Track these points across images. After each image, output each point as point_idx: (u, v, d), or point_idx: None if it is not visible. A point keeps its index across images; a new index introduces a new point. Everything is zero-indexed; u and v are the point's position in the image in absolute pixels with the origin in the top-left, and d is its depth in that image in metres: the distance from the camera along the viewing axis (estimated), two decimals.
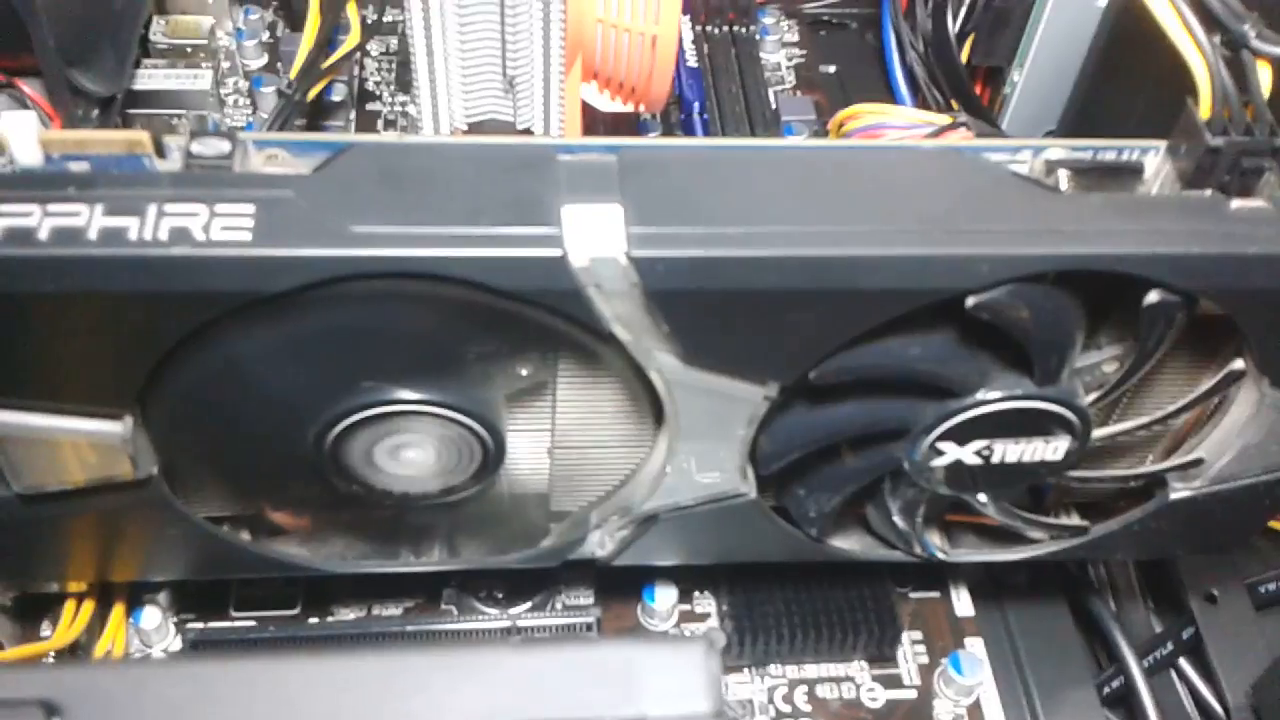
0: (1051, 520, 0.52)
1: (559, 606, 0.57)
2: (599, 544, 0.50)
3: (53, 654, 0.52)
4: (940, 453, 0.45)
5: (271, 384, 0.41)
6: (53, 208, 0.35)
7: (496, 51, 0.55)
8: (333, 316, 0.38)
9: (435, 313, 0.39)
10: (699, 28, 0.78)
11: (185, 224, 0.35)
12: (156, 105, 0.65)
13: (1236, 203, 0.41)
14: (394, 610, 0.57)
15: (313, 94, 0.63)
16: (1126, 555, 0.63)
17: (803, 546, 0.51)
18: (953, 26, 0.72)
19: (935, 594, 0.59)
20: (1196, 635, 0.61)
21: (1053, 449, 0.46)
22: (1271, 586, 0.63)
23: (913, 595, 0.59)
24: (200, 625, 0.55)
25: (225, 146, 0.38)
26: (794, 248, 0.38)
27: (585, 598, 0.58)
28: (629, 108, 0.59)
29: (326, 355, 0.40)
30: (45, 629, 0.54)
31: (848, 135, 0.65)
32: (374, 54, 0.79)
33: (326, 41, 0.64)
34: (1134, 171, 0.43)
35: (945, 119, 0.61)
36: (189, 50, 0.70)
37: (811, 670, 0.56)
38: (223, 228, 0.35)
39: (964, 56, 0.73)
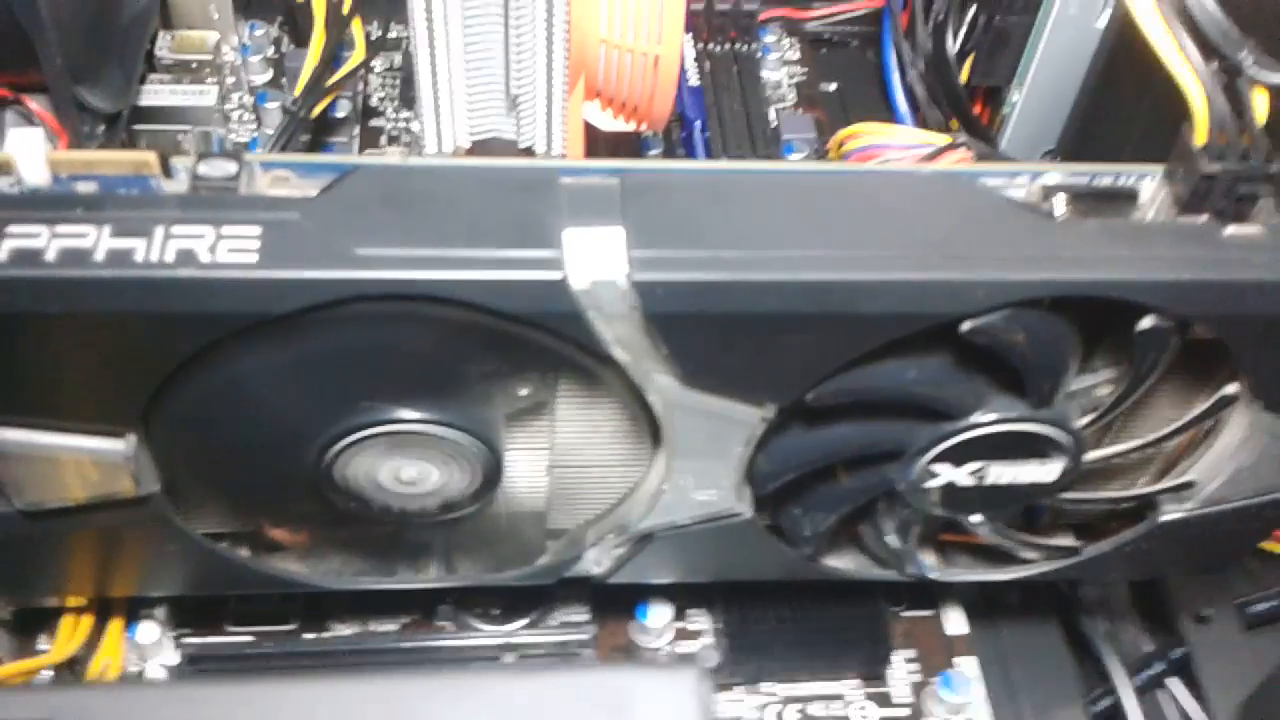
0: (1044, 541, 0.52)
1: (554, 623, 0.57)
2: (595, 562, 0.50)
3: (51, 668, 0.52)
4: (935, 474, 0.46)
5: (274, 404, 0.41)
6: (60, 229, 0.36)
7: (500, 70, 0.55)
8: (336, 338, 0.38)
9: (437, 334, 0.39)
10: (701, 45, 0.78)
11: (191, 246, 0.36)
12: (162, 120, 0.66)
13: (1231, 229, 0.41)
14: (390, 626, 0.57)
15: (317, 111, 0.64)
16: (1118, 576, 0.64)
17: (797, 565, 0.51)
18: (953, 46, 0.72)
19: (928, 613, 0.60)
20: (1187, 655, 0.61)
21: (1046, 471, 0.46)
22: (1262, 607, 0.64)
23: (905, 614, 0.59)
24: (197, 640, 0.55)
25: (232, 168, 0.39)
26: (793, 272, 0.38)
27: (580, 615, 0.58)
28: (631, 126, 0.60)
29: (329, 375, 0.40)
30: (43, 643, 0.54)
31: (847, 154, 0.65)
32: (378, 70, 0.79)
33: (331, 58, 0.64)
34: (1130, 197, 0.44)
35: (944, 139, 0.61)
36: (194, 65, 0.70)
37: (804, 688, 0.57)
38: (229, 250, 0.36)
39: (964, 76, 0.73)
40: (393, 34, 0.80)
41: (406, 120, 0.76)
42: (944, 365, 0.43)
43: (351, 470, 0.44)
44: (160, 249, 0.35)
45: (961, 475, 0.46)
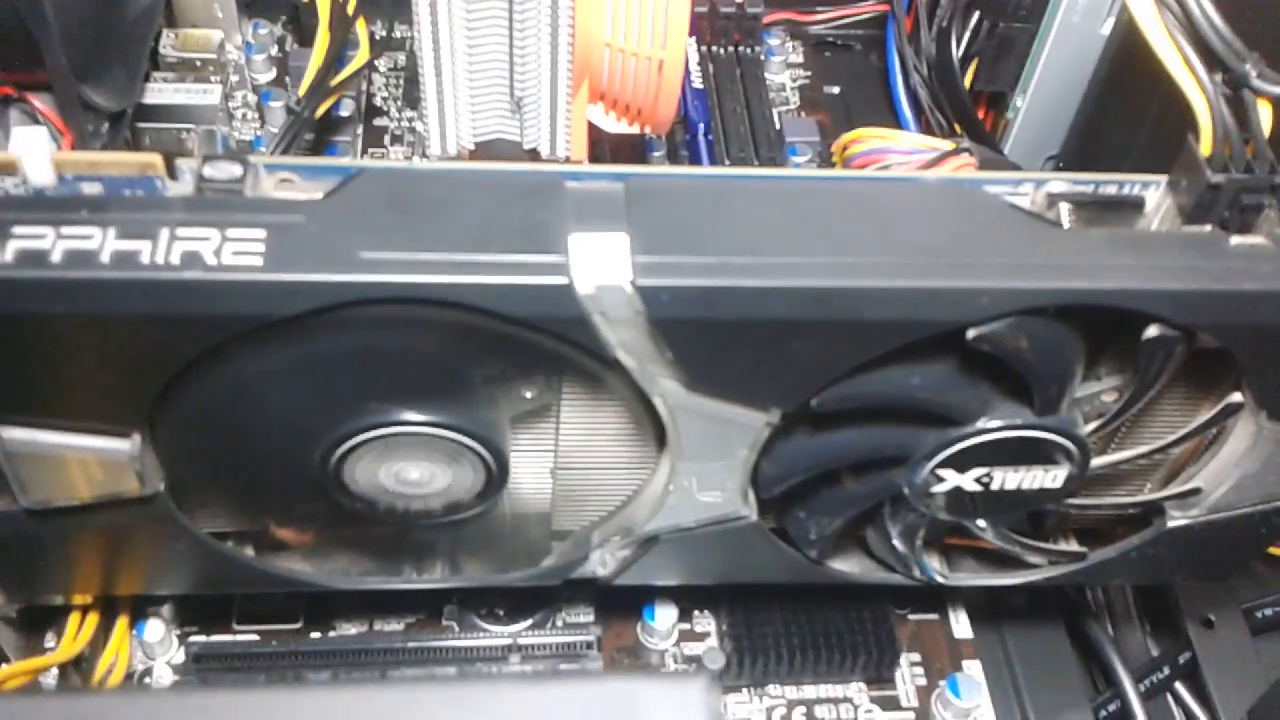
0: (1050, 546, 0.52)
1: (559, 624, 0.57)
2: (600, 563, 0.50)
3: (57, 667, 0.52)
4: (940, 479, 0.46)
5: (279, 405, 0.41)
6: (66, 230, 0.36)
7: (504, 72, 0.55)
8: (341, 340, 0.38)
9: (442, 337, 0.39)
10: (704, 48, 0.78)
11: (197, 248, 0.36)
12: (166, 119, 0.66)
13: (1236, 239, 0.41)
14: (396, 626, 0.57)
15: (321, 110, 0.64)
16: (1124, 581, 0.64)
17: (802, 568, 0.51)
18: (957, 51, 0.72)
19: (934, 616, 0.60)
20: (1193, 660, 0.61)
21: (1052, 477, 0.46)
22: (1268, 612, 0.64)
23: (911, 617, 0.60)
24: (203, 638, 0.56)
25: (237, 170, 0.39)
26: (797, 279, 0.38)
27: (586, 616, 0.58)
28: (635, 129, 0.60)
29: (334, 378, 0.40)
30: (50, 641, 0.54)
31: (851, 159, 0.65)
32: (382, 70, 0.79)
33: (335, 58, 0.64)
34: (1135, 206, 0.44)
35: (948, 144, 0.61)
36: (199, 64, 0.71)
37: (810, 691, 0.57)
38: (234, 252, 0.36)
39: (968, 81, 0.73)
40: (397, 34, 0.81)
41: (410, 120, 0.76)
42: (949, 371, 0.43)
43: (357, 472, 0.44)
44: (165, 251, 0.35)
45: (967, 480, 0.46)
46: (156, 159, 0.39)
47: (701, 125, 0.73)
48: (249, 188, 0.39)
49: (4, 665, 0.52)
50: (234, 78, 0.74)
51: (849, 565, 0.53)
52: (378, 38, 0.79)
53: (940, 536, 0.53)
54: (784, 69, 0.82)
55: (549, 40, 0.53)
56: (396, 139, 0.76)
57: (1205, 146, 0.42)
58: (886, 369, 0.42)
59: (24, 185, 0.40)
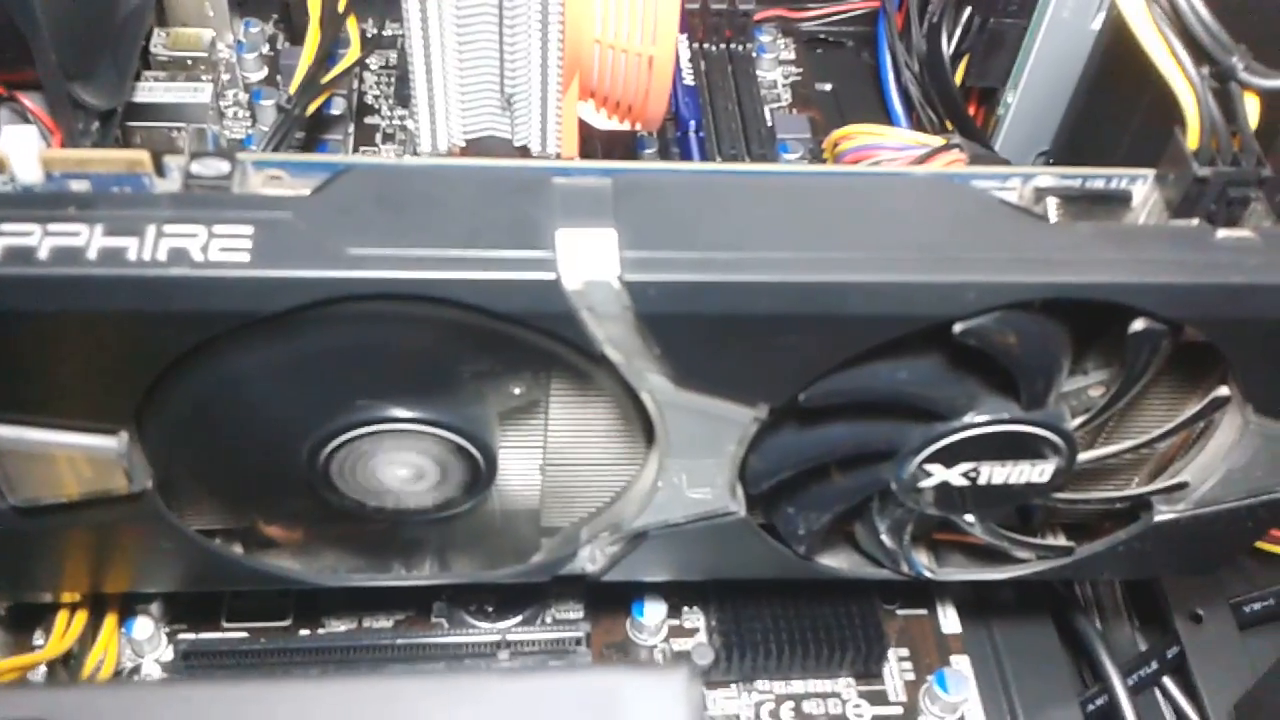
0: (1037, 541, 0.52)
1: (549, 620, 0.57)
2: (589, 559, 0.50)
3: (45, 664, 0.52)
4: (928, 474, 0.46)
5: (267, 402, 0.41)
6: (53, 227, 0.36)
7: (495, 70, 0.55)
8: (329, 337, 0.38)
9: (430, 333, 0.39)
10: (696, 45, 0.78)
11: (184, 245, 0.36)
12: (156, 118, 0.66)
13: (1223, 232, 0.41)
14: (385, 623, 0.57)
15: (312, 108, 0.64)
16: (1112, 575, 0.64)
17: (791, 564, 0.51)
18: (947, 48, 0.72)
19: (922, 611, 0.60)
20: (1181, 654, 0.61)
21: (1039, 471, 0.46)
22: (1256, 606, 0.64)
23: (900, 612, 0.60)
24: (192, 636, 0.55)
25: (225, 167, 0.39)
26: (784, 274, 0.38)
27: (575, 612, 0.58)
28: (626, 126, 0.60)
29: (322, 374, 0.40)
30: (38, 638, 0.54)
31: (842, 155, 0.65)
32: (373, 67, 0.79)
33: (326, 56, 0.64)
34: (1122, 200, 0.44)
35: (939, 140, 0.62)
36: (189, 63, 0.71)
37: (798, 686, 0.57)
38: (221, 249, 0.36)
39: (959, 77, 0.74)
40: (388, 31, 0.81)
41: (401, 118, 0.76)
42: (936, 366, 0.43)
43: (345, 469, 0.44)
44: (152, 248, 0.35)
45: (954, 475, 0.46)
46: (144, 156, 0.39)
47: (693, 122, 0.73)
48: (237, 184, 0.39)
49: None
50: (225, 76, 0.74)
51: (837, 560, 0.53)
52: (369, 35, 0.79)
53: (928, 531, 0.53)
54: (776, 65, 0.82)
55: (539, 37, 0.53)
56: (388, 137, 0.76)
57: (1192, 140, 0.42)
58: (874, 364, 0.42)
59: (12, 183, 0.40)
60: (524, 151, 0.58)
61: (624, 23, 0.54)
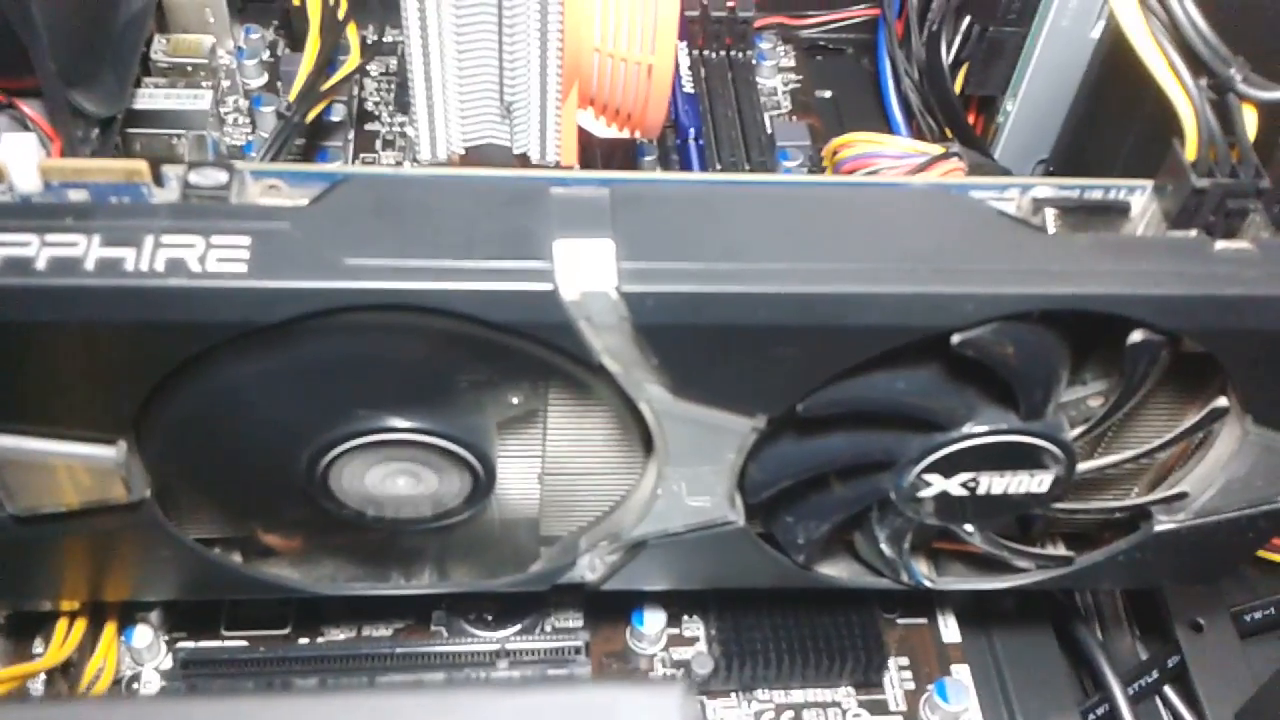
0: (1037, 550, 0.52)
1: (548, 629, 0.57)
2: (589, 568, 0.50)
3: (44, 672, 0.52)
4: (927, 484, 0.46)
5: (265, 412, 0.41)
6: (50, 237, 0.36)
7: (494, 78, 0.55)
8: (326, 347, 0.38)
9: (428, 343, 0.39)
10: (695, 52, 0.78)
11: (181, 255, 0.36)
12: (157, 125, 0.66)
13: (1221, 244, 0.41)
14: (384, 631, 0.57)
15: (312, 115, 0.64)
16: (1112, 585, 0.64)
17: (790, 573, 0.51)
18: (947, 56, 0.72)
19: (922, 620, 0.60)
20: (1182, 663, 0.61)
21: (1038, 482, 0.46)
22: (1257, 615, 0.64)
23: (900, 621, 0.60)
24: (191, 644, 0.55)
25: (223, 177, 0.39)
26: (782, 284, 0.38)
27: (574, 621, 0.58)
28: (625, 134, 0.60)
29: (320, 384, 0.40)
30: (38, 646, 0.54)
31: (841, 163, 0.65)
32: (374, 74, 0.79)
33: (326, 63, 0.64)
34: (1120, 210, 0.44)
35: (938, 149, 0.62)
36: (190, 69, 0.70)
37: (798, 695, 0.57)
38: (218, 259, 0.36)
39: (958, 85, 0.73)
40: (388, 38, 0.81)
41: (402, 125, 0.76)
42: (935, 377, 0.43)
43: (344, 478, 0.44)
44: (150, 258, 0.35)
45: (953, 485, 0.46)
46: (142, 166, 0.39)
47: (693, 130, 0.73)
48: (235, 194, 0.39)
49: None
50: (225, 83, 0.74)
51: (837, 570, 0.53)
52: (369, 42, 0.79)
53: (928, 541, 0.53)
54: (775, 73, 0.82)
55: (538, 45, 0.53)
56: (388, 144, 0.76)
57: (1190, 151, 0.43)
58: (872, 374, 0.42)
59: (10, 192, 0.40)
60: (523, 159, 0.58)
61: (623, 31, 0.54)
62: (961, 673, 0.58)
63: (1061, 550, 0.53)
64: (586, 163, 0.63)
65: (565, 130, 0.57)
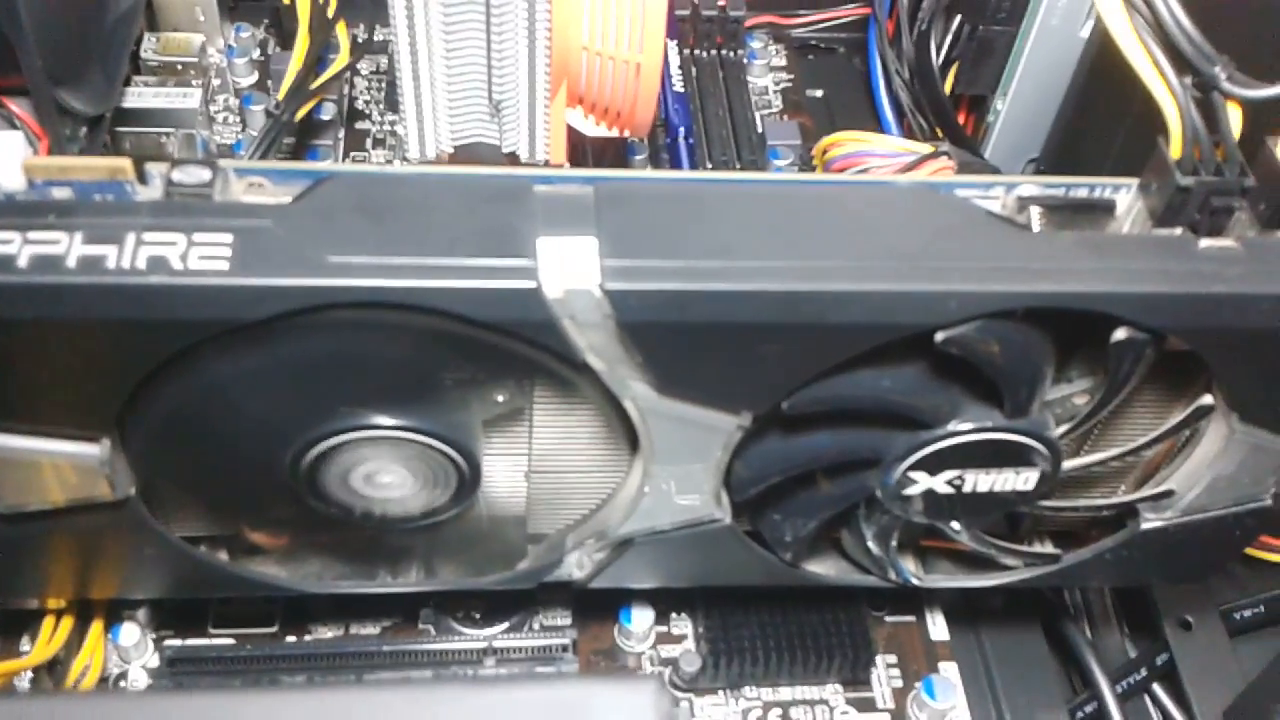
0: (1024, 548, 0.52)
1: (536, 627, 0.57)
2: (576, 566, 0.50)
3: (30, 670, 0.52)
4: (913, 481, 0.46)
5: (248, 409, 0.41)
6: (32, 235, 0.36)
7: (483, 76, 0.55)
8: (309, 345, 0.38)
9: (411, 341, 0.39)
10: (686, 51, 0.78)
11: (163, 253, 0.36)
12: (146, 123, 0.66)
13: (1206, 242, 0.41)
14: (372, 629, 0.57)
15: (301, 114, 0.64)
16: (1100, 583, 0.64)
17: (778, 570, 0.51)
18: (937, 55, 0.72)
19: (910, 618, 0.60)
20: (1170, 661, 0.61)
21: (1024, 479, 0.46)
22: (1246, 613, 0.64)
23: (888, 619, 0.60)
24: (178, 642, 0.55)
25: (206, 175, 0.39)
26: (766, 282, 0.38)
27: (562, 619, 0.58)
28: (614, 133, 0.60)
29: (303, 382, 0.40)
30: (24, 644, 0.54)
31: (831, 162, 0.65)
32: (364, 73, 0.79)
33: (316, 61, 0.64)
34: (1106, 209, 0.44)
35: (927, 148, 0.62)
36: (180, 68, 0.71)
37: (786, 693, 0.57)
38: (200, 257, 0.36)
39: (948, 85, 0.73)
40: (379, 37, 0.81)
41: (392, 123, 0.76)
42: (919, 375, 0.43)
43: (329, 476, 0.44)
44: (132, 256, 0.35)
45: (939, 483, 0.46)
46: (126, 163, 0.39)
47: (683, 128, 0.73)
48: (218, 192, 0.39)
49: None
50: (216, 81, 0.74)
51: (824, 567, 0.53)
52: (359, 41, 0.79)
53: (915, 538, 0.53)
54: (766, 72, 0.82)
55: (526, 44, 0.53)
56: (379, 143, 0.76)
57: (1175, 149, 0.42)
58: (857, 372, 0.42)
59: None
60: (513, 158, 0.58)
61: (611, 30, 0.54)
62: (949, 670, 0.58)
63: (1049, 548, 0.53)
64: (577, 162, 0.63)
65: (554, 129, 0.57)
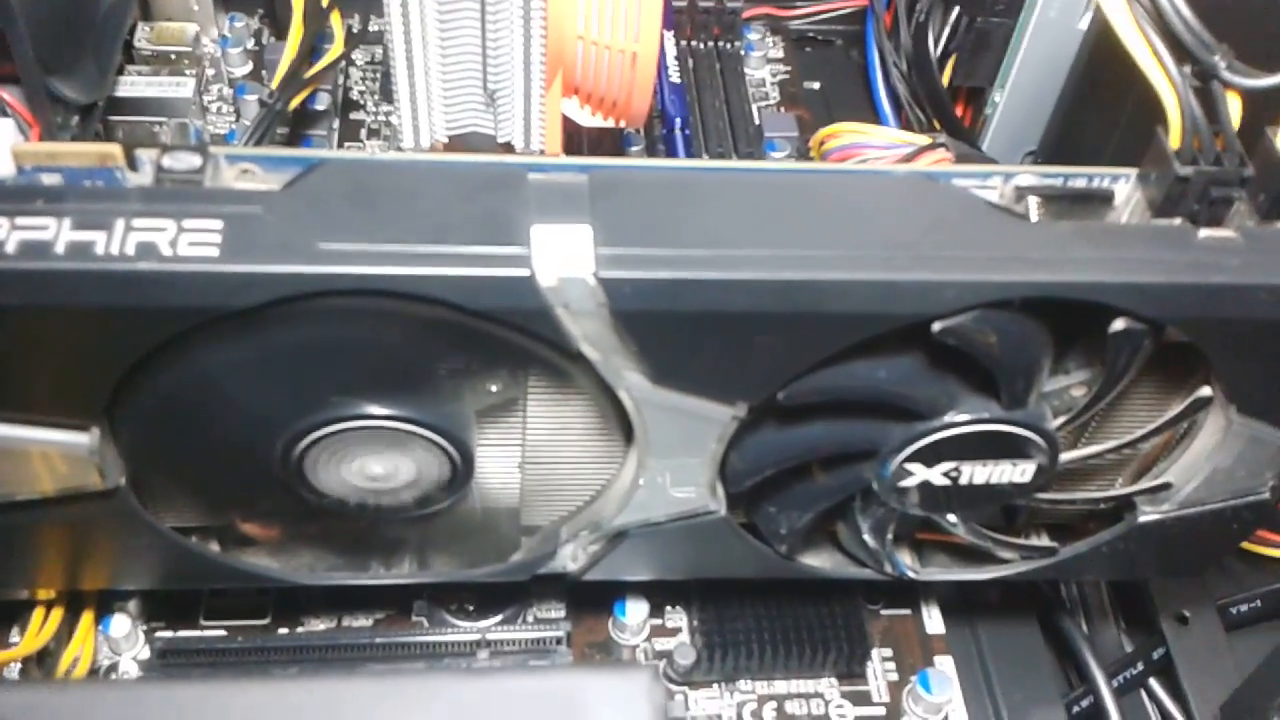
0: (1020, 541, 0.52)
1: (530, 620, 0.57)
2: (570, 558, 0.50)
3: (19, 661, 0.52)
4: (909, 473, 0.46)
5: (238, 398, 0.41)
6: (20, 221, 0.35)
7: (478, 65, 0.55)
8: (300, 332, 0.38)
9: (403, 330, 0.39)
10: (683, 42, 0.78)
11: (152, 239, 0.35)
12: (138, 112, 0.65)
13: (1205, 232, 0.41)
14: (364, 622, 0.57)
15: (295, 103, 0.63)
16: (1096, 576, 0.64)
17: (773, 563, 0.51)
18: (935, 47, 0.72)
19: (906, 611, 0.60)
20: (1167, 655, 0.61)
21: (1020, 471, 0.46)
22: (1243, 608, 0.64)
23: (883, 612, 0.59)
24: (169, 634, 0.55)
25: (196, 161, 0.38)
26: (762, 271, 0.38)
27: (556, 611, 0.58)
28: (610, 123, 0.59)
29: (294, 370, 0.40)
30: (14, 636, 0.53)
31: (828, 153, 0.65)
32: (359, 63, 0.79)
33: (310, 51, 0.64)
34: (1104, 199, 0.43)
35: (925, 140, 0.61)
36: (173, 57, 0.70)
37: (781, 686, 0.56)
38: (190, 243, 0.35)
39: (946, 77, 0.73)
40: (373, 27, 0.80)
41: (387, 114, 0.76)
42: (916, 365, 0.43)
43: (320, 466, 0.44)
44: (120, 242, 0.35)
45: (935, 475, 0.46)
46: (115, 150, 0.39)
47: (679, 119, 0.73)
48: (209, 179, 0.39)
49: None
50: (210, 71, 0.74)
51: (820, 560, 0.53)
52: (354, 31, 0.79)
53: (911, 531, 0.52)
54: (764, 64, 0.82)
55: (521, 33, 0.53)
56: (373, 133, 0.75)
57: (1174, 139, 0.42)
58: (853, 362, 0.42)
59: None
60: (507, 148, 0.57)
61: (606, 19, 0.53)
62: (945, 664, 0.58)
63: (1045, 541, 0.53)
64: (572, 152, 0.62)
65: (550, 119, 0.57)
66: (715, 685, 0.56)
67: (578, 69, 0.55)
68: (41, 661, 0.53)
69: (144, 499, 0.45)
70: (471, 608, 0.57)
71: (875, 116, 0.78)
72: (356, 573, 0.51)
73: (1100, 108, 0.66)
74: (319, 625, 0.56)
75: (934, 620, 0.59)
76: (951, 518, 0.49)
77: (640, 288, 0.38)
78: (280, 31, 0.77)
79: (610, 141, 0.72)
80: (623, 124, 0.60)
